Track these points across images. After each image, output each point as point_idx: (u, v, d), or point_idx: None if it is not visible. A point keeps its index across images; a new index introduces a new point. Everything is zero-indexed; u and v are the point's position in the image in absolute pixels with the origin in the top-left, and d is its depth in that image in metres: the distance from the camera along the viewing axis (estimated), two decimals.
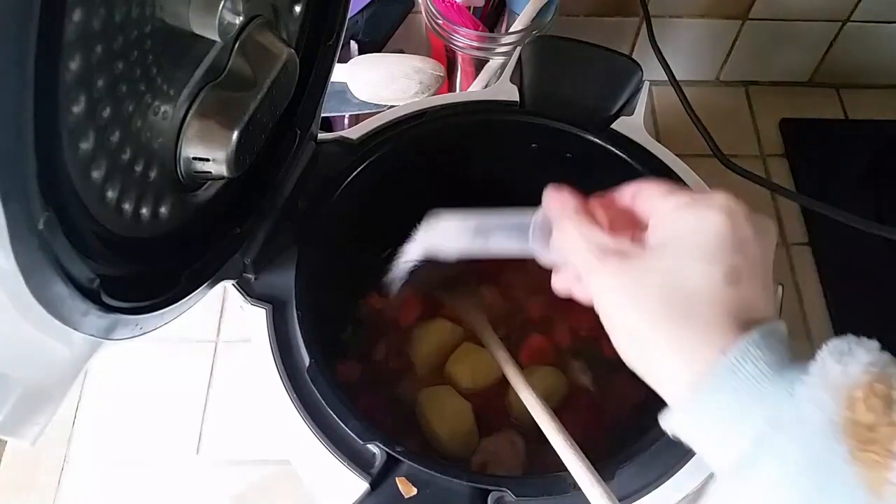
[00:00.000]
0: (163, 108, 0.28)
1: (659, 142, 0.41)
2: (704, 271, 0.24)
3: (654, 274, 0.25)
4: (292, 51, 0.32)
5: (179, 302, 0.30)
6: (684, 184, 0.40)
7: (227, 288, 0.36)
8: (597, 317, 0.53)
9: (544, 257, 0.29)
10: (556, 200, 0.29)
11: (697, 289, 0.24)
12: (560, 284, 0.30)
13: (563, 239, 0.28)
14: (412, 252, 0.32)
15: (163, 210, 0.30)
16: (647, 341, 0.25)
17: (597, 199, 0.29)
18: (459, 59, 0.55)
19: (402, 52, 0.56)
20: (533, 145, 0.43)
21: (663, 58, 0.51)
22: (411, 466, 0.30)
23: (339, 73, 0.49)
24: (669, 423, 0.25)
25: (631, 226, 0.28)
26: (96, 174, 0.25)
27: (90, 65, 0.22)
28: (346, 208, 0.40)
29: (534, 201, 0.50)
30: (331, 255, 0.39)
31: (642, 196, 0.28)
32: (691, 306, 0.24)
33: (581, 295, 0.29)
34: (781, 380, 0.23)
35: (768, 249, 0.26)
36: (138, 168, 0.27)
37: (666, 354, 0.24)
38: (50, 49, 0.20)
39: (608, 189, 0.29)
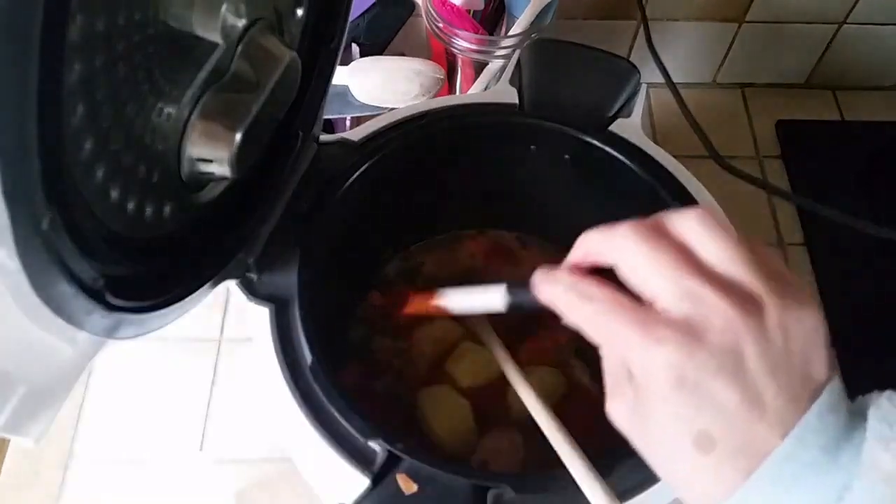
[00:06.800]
0: (166, 110, 0.28)
1: (656, 143, 0.42)
2: (672, 445, 0.22)
3: (636, 424, 0.23)
4: (294, 54, 0.32)
5: (183, 301, 0.30)
6: (684, 188, 0.40)
7: (230, 287, 0.36)
8: None
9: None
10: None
11: (677, 461, 0.22)
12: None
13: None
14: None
15: (166, 210, 0.30)
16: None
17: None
18: (459, 62, 0.56)
19: (402, 55, 0.56)
20: (532, 147, 0.44)
21: (660, 61, 0.51)
22: (412, 463, 0.30)
23: (341, 75, 0.50)
24: None
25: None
26: (100, 175, 0.25)
27: (93, 67, 0.23)
28: (347, 209, 0.40)
29: (532, 201, 0.50)
30: (333, 254, 0.40)
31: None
32: (683, 475, 0.22)
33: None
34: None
35: (791, 346, 0.21)
36: (142, 169, 0.28)
37: (679, 494, 0.23)
38: (53, 51, 0.20)
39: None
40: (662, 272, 0.22)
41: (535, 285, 0.26)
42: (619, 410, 0.24)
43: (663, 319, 0.22)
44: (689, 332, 0.21)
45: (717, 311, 0.21)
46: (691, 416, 0.21)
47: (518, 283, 0.30)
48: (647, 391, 0.22)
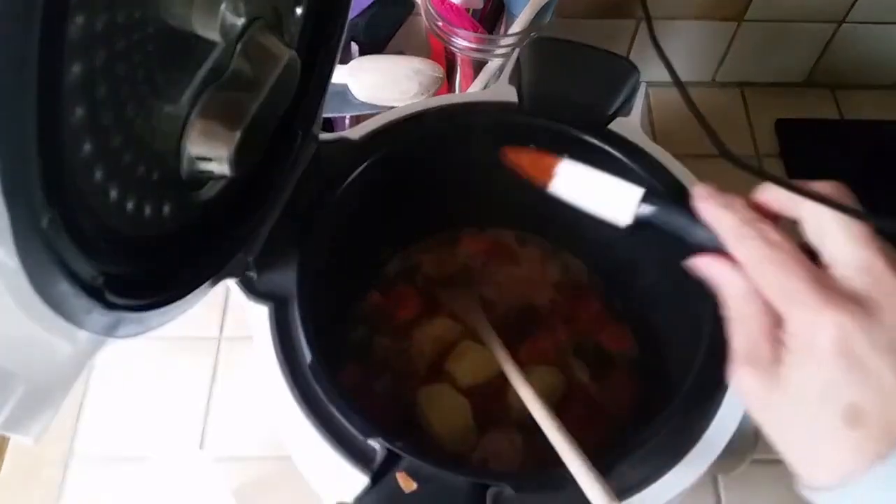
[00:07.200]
0: (165, 109, 0.28)
1: (655, 142, 0.42)
2: (814, 413, 0.22)
3: (778, 396, 0.23)
4: (294, 52, 0.32)
5: (183, 299, 0.30)
6: (683, 186, 0.40)
7: (229, 286, 0.36)
8: (596, 316, 0.53)
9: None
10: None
11: (813, 431, 0.22)
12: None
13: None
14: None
15: (166, 209, 0.30)
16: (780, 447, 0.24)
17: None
18: (459, 61, 0.56)
19: (402, 53, 0.56)
20: (531, 145, 0.44)
21: (665, 57, 0.51)
22: (412, 462, 0.30)
23: (340, 74, 0.50)
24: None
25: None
26: (99, 174, 0.25)
27: (93, 66, 0.23)
28: (346, 207, 0.40)
29: (531, 201, 0.50)
30: (332, 253, 0.40)
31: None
32: (813, 447, 0.22)
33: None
34: None
35: None
36: (141, 168, 0.28)
37: (797, 467, 0.23)
38: (53, 50, 0.20)
39: None
40: (856, 242, 0.23)
41: (698, 197, 0.25)
42: (750, 375, 0.23)
43: (840, 285, 0.22)
44: (864, 304, 0.21)
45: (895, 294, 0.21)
46: (846, 386, 0.21)
47: (661, 193, 0.27)
48: (803, 352, 0.22)
